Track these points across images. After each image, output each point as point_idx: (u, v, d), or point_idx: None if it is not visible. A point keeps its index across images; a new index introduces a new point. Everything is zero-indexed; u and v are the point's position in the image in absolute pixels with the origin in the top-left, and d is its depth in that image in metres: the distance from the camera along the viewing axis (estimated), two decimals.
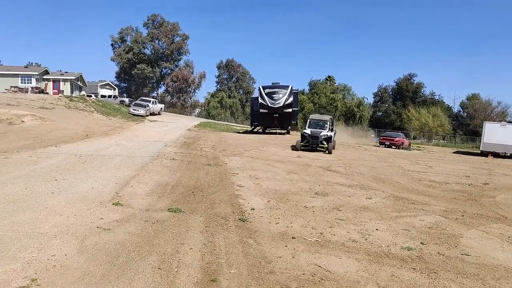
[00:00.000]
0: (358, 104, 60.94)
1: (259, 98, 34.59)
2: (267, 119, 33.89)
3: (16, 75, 47.84)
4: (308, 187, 10.15)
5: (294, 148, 20.40)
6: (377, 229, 6.52)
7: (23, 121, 21.46)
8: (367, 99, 66.48)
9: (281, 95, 33.79)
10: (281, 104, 33.22)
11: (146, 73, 70.38)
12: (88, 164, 10.72)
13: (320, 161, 16.59)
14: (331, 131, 21.83)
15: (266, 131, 35.09)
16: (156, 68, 72.57)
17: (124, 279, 3.79)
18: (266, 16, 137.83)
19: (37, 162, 10.48)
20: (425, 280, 4.42)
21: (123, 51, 70.09)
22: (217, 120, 57.84)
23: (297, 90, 37.71)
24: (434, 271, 4.73)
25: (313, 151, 19.89)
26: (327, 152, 19.74)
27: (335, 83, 67.20)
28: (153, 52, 72.79)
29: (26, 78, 47.96)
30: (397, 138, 31.93)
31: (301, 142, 20.86)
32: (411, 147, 33.84)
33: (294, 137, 30.99)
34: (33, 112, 24.43)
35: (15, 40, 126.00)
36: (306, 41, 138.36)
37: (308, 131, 21.17)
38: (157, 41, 72.33)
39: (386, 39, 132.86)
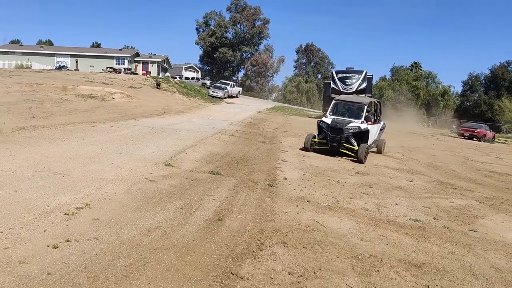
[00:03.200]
0: (443, 92, 57.03)
1: (331, 82, 34.54)
2: None
3: (112, 57, 53.38)
4: (352, 167, 10.55)
5: (304, 147, 12.49)
6: (396, 204, 6.87)
7: (113, 98, 24.41)
8: (454, 87, 61.77)
9: (354, 80, 33.36)
10: (354, 90, 32.81)
11: (227, 56, 73.18)
12: (157, 135, 12.31)
13: None
14: (372, 123, 12.72)
15: None
16: (237, 52, 75.00)
17: (152, 212, 4.88)
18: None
19: (116, 131, 12.32)
20: (410, 242, 4.85)
21: (207, 35, 73.58)
22: (293, 105, 58.46)
23: (372, 75, 36.74)
24: (425, 237, 5.10)
25: (332, 155, 11.96)
26: (356, 158, 11.40)
27: (421, 69, 63.43)
28: (234, 36, 75.25)
29: (120, 60, 53.20)
30: (478, 130, 29.72)
31: (314, 138, 12.53)
32: (495, 139, 31.25)
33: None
34: (123, 90, 27.50)
35: (114, 24, 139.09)
36: (392, 25, 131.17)
37: (327, 119, 12.42)
38: (238, 25, 74.58)
39: (482, 22, 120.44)
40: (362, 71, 33.45)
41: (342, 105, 13.70)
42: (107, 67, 47.32)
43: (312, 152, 12.17)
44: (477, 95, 64.73)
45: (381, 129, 14.13)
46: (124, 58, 54.30)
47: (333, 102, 13.88)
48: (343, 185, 8.07)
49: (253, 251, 3.98)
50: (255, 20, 74.44)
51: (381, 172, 10.27)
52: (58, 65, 50.14)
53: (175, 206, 5.20)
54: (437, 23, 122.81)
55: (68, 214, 4.41)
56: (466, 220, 6.25)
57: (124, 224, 4.32)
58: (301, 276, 3.56)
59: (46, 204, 4.69)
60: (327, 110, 38.82)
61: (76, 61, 53.68)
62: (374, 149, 13.75)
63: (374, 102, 14.42)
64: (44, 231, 3.89)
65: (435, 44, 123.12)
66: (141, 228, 4.29)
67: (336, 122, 12.10)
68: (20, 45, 61.84)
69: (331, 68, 75.85)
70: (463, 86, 67.26)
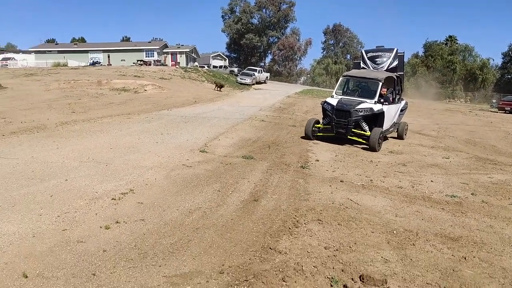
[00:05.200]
0: (481, 66, 54.46)
1: (361, 62, 33.72)
2: None
3: (142, 50, 54.54)
4: (385, 147, 10.46)
5: (305, 135, 10.77)
6: (432, 181, 6.82)
7: (145, 90, 25.08)
8: (493, 60, 58.68)
9: (384, 59, 32.33)
10: (384, 68, 31.96)
11: (254, 42, 72.86)
12: (189, 123, 12.64)
13: (414, 125, 16.22)
14: (387, 103, 10.54)
15: None
16: (264, 37, 74.50)
17: (191, 195, 5.14)
18: None
19: (151, 121, 12.75)
20: (446, 217, 4.86)
21: (233, 22, 73.43)
22: (322, 87, 57.75)
23: (403, 53, 35.45)
24: (463, 211, 5.08)
25: (340, 142, 10.35)
26: (368, 146, 9.70)
27: (457, 43, 60.68)
28: (260, 21, 74.68)
29: (150, 52, 54.27)
30: None
31: (318, 124, 10.76)
32: None
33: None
34: (154, 82, 28.16)
35: (143, 17, 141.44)
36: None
37: (332, 100, 10.56)
38: (264, 10, 73.87)
39: None
40: (393, 49, 32.34)
41: (353, 82, 11.63)
42: (138, 60, 48.44)
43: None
44: None
45: (401, 110, 11.99)
46: (153, 50, 55.35)
47: (340, 78, 11.82)
48: (377, 165, 8.06)
49: (289, 228, 4.15)
50: (281, 3, 73.43)
51: (415, 151, 10.13)
52: (92, 61, 51.83)
53: (213, 189, 5.44)
54: None
55: (115, 199, 4.73)
56: (506, 195, 6.13)
57: (167, 207, 4.60)
58: (337, 250, 3.69)
59: (95, 190, 5.04)
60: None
61: (108, 56, 55.27)
62: (394, 134, 11.93)
63: (393, 77, 11.63)
64: (96, 214, 4.22)
65: (471, 16, 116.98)
66: (182, 209, 4.55)
67: (343, 103, 10.13)
68: (55, 44, 64.30)
69: (361, 48, 73.99)
70: (503, 58, 63.49)
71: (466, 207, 5.32)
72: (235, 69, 50.71)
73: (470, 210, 5.21)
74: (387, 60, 38.00)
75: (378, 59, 38.18)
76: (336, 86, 11.59)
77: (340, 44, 75.94)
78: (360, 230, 4.26)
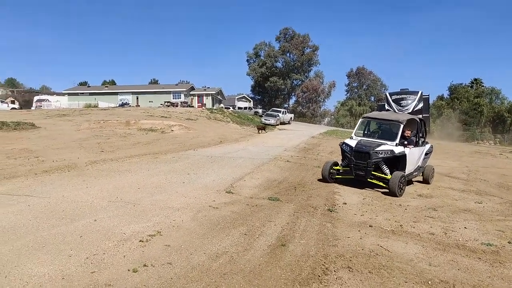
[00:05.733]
0: (509, 108, 53.26)
1: (386, 105, 33.70)
2: None
3: (169, 92, 56.51)
4: (414, 190, 10.20)
5: (322, 177, 10.31)
6: (465, 228, 6.54)
7: (172, 130, 25.72)
8: None
9: (409, 101, 32.19)
10: (409, 111, 31.75)
11: (278, 85, 74.43)
12: (216, 163, 12.77)
13: (443, 167, 15.81)
14: (411, 146, 10.15)
15: None
16: (287, 80, 76.11)
17: (218, 238, 5.10)
18: (400, 18, 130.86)
19: (177, 161, 12.97)
20: (484, 267, 4.59)
21: (257, 65, 75.64)
22: (346, 128, 57.69)
23: (428, 95, 35.41)
24: (501, 261, 4.80)
25: (360, 186, 9.92)
26: (388, 190, 9.14)
27: (482, 86, 60.11)
28: (284, 64, 76.61)
29: (177, 94, 56.14)
30: None
31: (336, 165, 10.39)
32: None
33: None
34: (180, 122, 28.89)
35: (171, 61, 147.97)
36: (446, 42, 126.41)
37: (351, 141, 10.22)
38: (288, 54, 75.96)
39: None
40: (418, 92, 32.30)
41: (373, 124, 11.33)
42: (165, 102, 50.12)
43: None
44: None
45: (426, 154, 11.58)
46: (180, 92, 57.27)
47: (360, 120, 11.45)
48: (406, 209, 7.83)
49: (319, 276, 4.02)
50: (304, 47, 75.47)
51: (445, 194, 9.81)
52: (121, 102, 53.95)
53: (239, 232, 5.38)
54: (496, 36, 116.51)
55: (142, 241, 4.75)
56: None
57: (194, 250, 4.56)
58: None
59: (123, 232, 5.09)
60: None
61: (137, 98, 57.47)
62: (420, 178, 11.52)
63: (416, 120, 11.00)
64: (124, 256, 4.24)
65: (496, 60, 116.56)
66: (209, 253, 4.50)
67: (362, 144, 9.84)
68: (88, 87, 67.62)
69: (384, 90, 74.34)
70: None
71: (504, 257, 5.03)
72: (260, 110, 51.59)
73: (508, 260, 4.92)
74: (412, 103, 37.75)
75: (403, 101, 37.99)
76: (356, 127, 11.22)
77: (364, 87, 76.57)
78: (393, 279, 4.08)
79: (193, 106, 51.29)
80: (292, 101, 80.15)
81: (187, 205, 6.81)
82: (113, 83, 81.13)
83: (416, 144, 10.75)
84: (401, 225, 6.40)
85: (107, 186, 8.18)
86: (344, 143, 10.41)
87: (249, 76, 78.34)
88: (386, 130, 10.87)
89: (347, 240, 5.38)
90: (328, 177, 10.19)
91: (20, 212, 5.88)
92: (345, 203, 7.96)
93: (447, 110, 55.12)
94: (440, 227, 6.48)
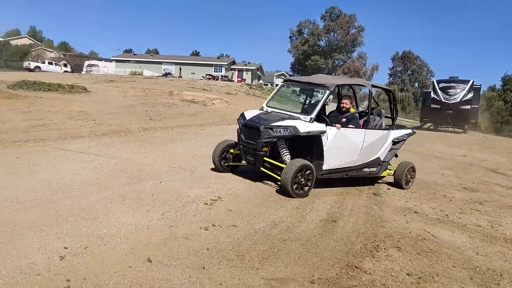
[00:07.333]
0: None
1: (432, 92, 32.77)
2: (439, 115, 31.87)
3: (210, 65, 57.17)
4: (458, 182, 10.17)
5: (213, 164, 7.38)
6: None
7: (213, 103, 26.29)
8: None
9: (458, 90, 31.22)
10: (457, 100, 30.75)
11: (319, 64, 73.33)
12: None
13: (489, 162, 15.48)
14: (349, 124, 7.26)
15: (438, 128, 32.96)
16: (329, 59, 74.76)
17: (273, 208, 5.51)
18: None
19: (222, 134, 13.44)
20: None
21: (300, 43, 74.66)
22: (387, 114, 56.40)
23: (480, 85, 34.02)
24: None
25: (246, 176, 7.17)
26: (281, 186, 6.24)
27: None
28: (327, 44, 75.16)
29: (218, 68, 56.72)
30: None
31: (231, 148, 7.39)
32: None
33: (470, 137, 28.53)
34: (221, 96, 29.43)
35: (212, 33, 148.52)
36: (505, 28, 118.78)
37: (250, 113, 7.16)
38: (332, 33, 74.31)
39: None
40: (468, 81, 31.17)
41: (299, 92, 8.64)
42: (206, 74, 50.86)
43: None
44: None
45: (394, 142, 8.16)
46: (221, 66, 57.79)
47: (280, 84, 8.79)
48: (451, 200, 7.91)
49: (371, 251, 4.34)
50: (350, 27, 73.49)
51: (492, 190, 9.74)
52: (164, 72, 55.24)
53: (292, 205, 5.76)
54: None
55: (207, 204, 5.23)
56: None
57: (253, 217, 4.99)
58: (419, 278, 3.82)
59: (187, 194, 5.59)
60: (425, 120, 32.63)
61: (180, 69, 58.56)
62: (388, 178, 8.66)
63: (367, 87, 7.76)
64: (194, 216, 4.72)
65: None
66: (267, 221, 4.92)
67: (259, 117, 6.77)
68: (134, 54, 69.39)
69: (430, 76, 71.49)
70: None
71: None
72: (297, 89, 51.31)
73: None
74: (460, 92, 36.31)
75: (451, 90, 36.62)
76: (272, 94, 8.17)
77: (409, 72, 74.03)
78: (441, 262, 4.33)
79: (233, 81, 51.72)
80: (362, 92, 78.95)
81: (240, 177, 7.24)
82: (156, 52, 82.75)
83: (365, 124, 7.49)
84: (446, 215, 6.56)
85: (163, 153, 8.75)
86: (241, 114, 7.32)
87: (290, 53, 77.73)
88: (311, 101, 8.65)
89: (394, 223, 5.63)
90: (219, 164, 7.23)
91: (94, 168, 6.53)
92: (389, 189, 8.15)
93: (498, 102, 52.55)
94: (487, 220, 6.58)
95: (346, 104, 7.61)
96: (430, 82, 67.93)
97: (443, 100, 30.51)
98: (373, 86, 8.05)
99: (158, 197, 5.29)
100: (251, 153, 6.58)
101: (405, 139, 8.59)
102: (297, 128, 6.29)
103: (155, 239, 3.88)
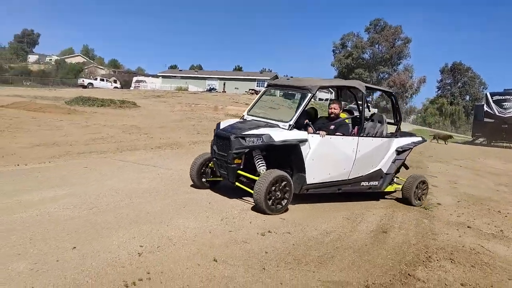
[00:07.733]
0: None
1: (485, 105, 31.53)
2: (492, 129, 30.54)
3: (253, 80, 58.28)
4: None
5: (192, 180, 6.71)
6: None
7: None
8: None
9: None
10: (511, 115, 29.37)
11: (363, 77, 72.38)
12: None
13: None
14: (342, 132, 6.38)
15: (491, 143, 31.51)
16: (373, 72, 73.66)
17: (325, 218, 5.73)
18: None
19: None
20: None
21: (343, 56, 74.24)
22: (434, 128, 54.51)
23: None
24: None
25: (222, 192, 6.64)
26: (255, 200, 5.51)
27: None
28: (371, 56, 74.22)
29: (261, 82, 57.63)
30: None
31: (211, 161, 6.46)
32: None
33: None
34: (264, 110, 29.98)
35: (254, 47, 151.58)
36: None
37: (225, 123, 6.31)
38: (377, 46, 73.35)
39: None
40: None
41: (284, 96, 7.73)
42: (250, 89, 51.86)
43: (465, 180, 11.43)
44: None
45: (398, 152, 7.22)
46: (264, 80, 58.71)
47: (263, 89, 7.67)
48: (506, 216, 7.69)
49: (423, 261, 4.43)
50: (395, 39, 72.23)
51: None
52: (209, 87, 57.03)
53: (342, 216, 5.94)
54: None
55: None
56: None
57: (306, 225, 5.23)
58: None
59: (242, 203, 5.94)
60: (478, 134, 31.55)
61: (224, 84, 60.17)
62: (394, 193, 7.84)
63: (359, 89, 6.84)
64: (250, 222, 5.05)
65: None
66: (320, 230, 5.14)
67: (233, 126, 6.05)
68: (179, 70, 72.22)
69: (483, 89, 68.31)
70: None
71: None
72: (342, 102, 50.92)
73: None
74: None
75: (506, 103, 35.18)
76: (254, 101, 7.35)
77: (459, 84, 71.16)
78: (496, 275, 4.33)
79: (275, 95, 52.33)
80: (376, 95, 77.55)
81: None
82: (200, 68, 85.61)
83: (358, 131, 6.62)
84: (501, 230, 6.42)
85: None
86: (217, 124, 6.48)
87: (333, 66, 77.43)
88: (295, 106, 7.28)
89: (446, 236, 5.64)
90: (198, 180, 6.52)
91: (154, 179, 7.07)
92: (439, 203, 8.05)
93: None
94: None
95: (334, 109, 6.69)
96: (483, 94, 65.01)
97: (497, 113, 29.26)
98: (368, 88, 7.27)
99: (215, 205, 5.68)
100: (224, 166, 5.92)
101: (412, 148, 7.61)
102: (270, 137, 5.58)
103: (217, 242, 4.23)
